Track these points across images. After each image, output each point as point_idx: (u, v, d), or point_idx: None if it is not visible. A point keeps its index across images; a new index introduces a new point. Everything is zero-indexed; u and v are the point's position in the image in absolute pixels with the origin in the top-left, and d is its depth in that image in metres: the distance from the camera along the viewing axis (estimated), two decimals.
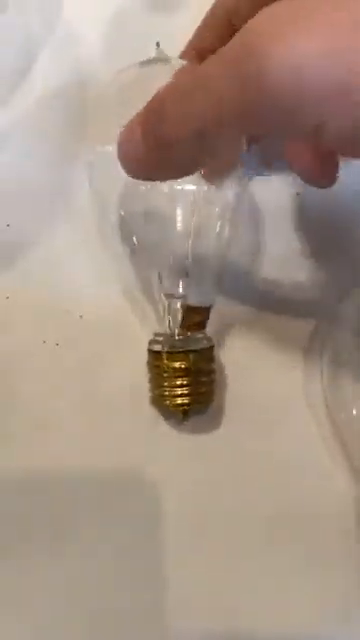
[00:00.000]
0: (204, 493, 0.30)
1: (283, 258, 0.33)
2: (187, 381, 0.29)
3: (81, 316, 0.32)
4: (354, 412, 0.29)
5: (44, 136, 0.34)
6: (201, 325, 0.30)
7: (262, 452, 0.30)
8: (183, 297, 0.30)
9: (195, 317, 0.30)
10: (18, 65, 0.34)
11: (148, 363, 0.30)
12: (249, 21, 0.18)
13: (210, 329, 0.31)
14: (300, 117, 0.18)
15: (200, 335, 0.30)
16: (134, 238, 0.30)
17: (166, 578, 0.29)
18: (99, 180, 0.31)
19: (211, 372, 0.30)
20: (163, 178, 0.23)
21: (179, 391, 0.29)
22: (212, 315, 0.30)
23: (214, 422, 0.31)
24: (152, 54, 0.30)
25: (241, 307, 0.32)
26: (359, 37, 0.17)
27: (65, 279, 0.32)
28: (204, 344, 0.30)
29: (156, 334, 0.30)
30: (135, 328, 0.31)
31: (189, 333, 0.30)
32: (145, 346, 0.30)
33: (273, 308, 0.32)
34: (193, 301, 0.30)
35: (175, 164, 0.22)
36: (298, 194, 0.33)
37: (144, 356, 0.30)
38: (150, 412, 0.31)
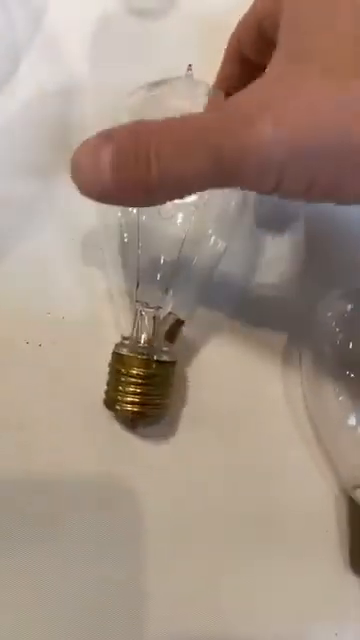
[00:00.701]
0: (187, 494, 0.30)
1: (262, 260, 0.33)
2: (141, 389, 0.29)
3: (63, 317, 0.32)
4: (333, 413, 0.29)
5: (28, 140, 0.34)
6: (172, 337, 0.30)
7: (245, 454, 0.31)
8: (159, 307, 0.30)
9: (171, 328, 0.30)
10: (1, 70, 0.34)
11: (109, 365, 0.30)
12: (231, 98, 0.22)
13: (185, 331, 0.31)
14: (264, 179, 0.21)
15: (165, 348, 0.30)
16: (125, 238, 0.30)
17: (147, 584, 0.29)
18: None
19: (168, 386, 0.30)
20: (119, 205, 0.24)
21: (130, 398, 0.29)
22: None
23: (192, 424, 0.31)
24: (136, 60, 0.30)
25: (218, 311, 0.32)
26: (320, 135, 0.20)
27: (48, 281, 0.32)
28: (167, 357, 0.30)
29: (124, 337, 0.31)
30: (116, 331, 0.31)
31: (155, 343, 0.30)
32: None
33: (252, 312, 0.32)
34: (172, 312, 0.30)
35: (140, 201, 0.23)
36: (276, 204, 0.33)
37: None
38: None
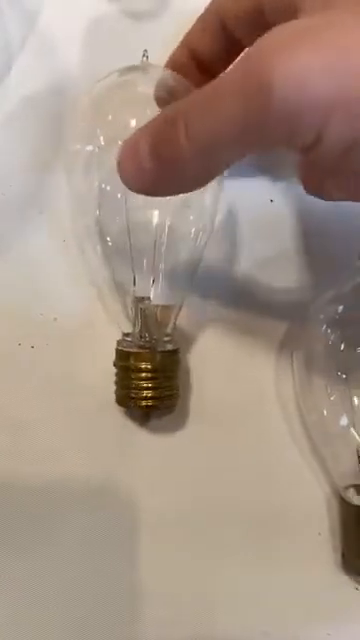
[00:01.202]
0: (180, 496, 0.30)
1: (255, 261, 0.33)
2: (152, 383, 0.29)
3: (55, 319, 0.32)
4: (325, 413, 0.29)
5: (20, 141, 0.34)
6: (168, 325, 0.30)
7: (236, 456, 0.31)
8: (152, 299, 0.30)
9: (164, 317, 0.30)
10: None
11: (115, 363, 0.30)
12: (258, 39, 0.19)
13: (181, 330, 0.32)
14: (300, 128, 0.18)
15: (167, 338, 0.30)
16: (108, 239, 0.30)
17: (143, 585, 0.29)
18: (76, 181, 0.31)
19: (176, 375, 0.30)
20: (166, 194, 0.23)
21: (144, 393, 0.29)
22: (183, 315, 0.31)
23: (184, 422, 0.31)
24: (130, 61, 0.30)
25: (212, 309, 0.32)
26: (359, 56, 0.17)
27: (40, 282, 0.32)
28: (170, 347, 0.30)
29: (125, 334, 0.31)
30: (109, 330, 0.31)
31: (156, 333, 0.30)
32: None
33: (245, 310, 0.32)
34: (162, 302, 0.30)
35: (181, 180, 0.22)
36: (272, 201, 0.33)
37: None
38: (124, 413, 0.31)
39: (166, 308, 0.30)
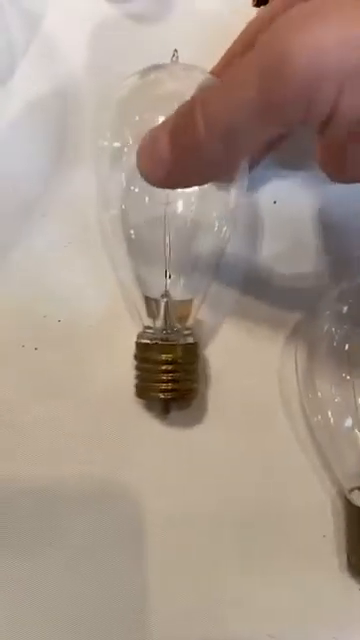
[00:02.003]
0: (184, 498, 0.30)
1: (263, 260, 0.33)
2: (172, 376, 0.29)
3: (59, 320, 0.32)
4: (329, 414, 0.29)
5: (24, 144, 0.34)
6: (188, 318, 0.31)
7: (240, 457, 0.31)
8: (173, 292, 0.30)
9: (184, 311, 0.30)
10: None
11: (135, 356, 0.30)
12: (273, 23, 0.19)
13: (199, 324, 0.32)
14: (318, 99, 0.18)
15: (187, 331, 0.31)
16: (132, 232, 0.30)
17: (146, 588, 0.29)
18: (102, 175, 0.31)
19: (195, 368, 0.31)
20: (187, 185, 0.23)
21: (163, 385, 0.29)
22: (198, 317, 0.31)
23: (196, 420, 0.31)
24: (133, 64, 0.30)
25: (214, 314, 0.32)
26: None
27: (43, 284, 0.32)
28: (190, 340, 0.31)
29: (146, 327, 0.31)
30: (113, 331, 0.31)
31: (177, 326, 0.30)
32: (121, 349, 0.31)
33: (248, 313, 0.32)
34: (184, 296, 0.31)
35: (201, 169, 0.21)
36: (275, 202, 0.33)
37: (121, 359, 0.31)
38: (129, 412, 0.31)
39: (187, 302, 0.31)
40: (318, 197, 0.33)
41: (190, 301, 0.31)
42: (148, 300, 0.31)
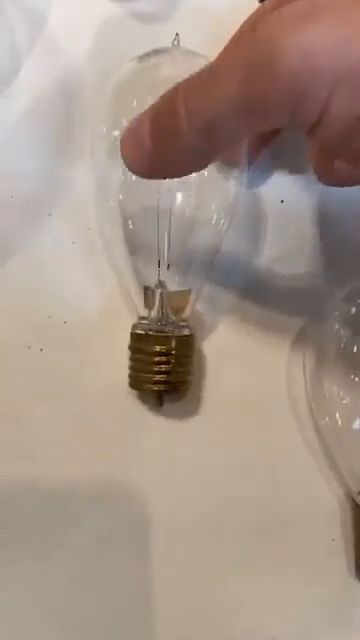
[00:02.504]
0: (189, 499, 0.30)
1: (270, 259, 0.33)
2: (165, 367, 0.29)
3: (65, 322, 0.32)
4: (337, 417, 0.29)
5: (29, 143, 0.34)
6: (184, 310, 0.30)
7: (247, 460, 0.31)
8: (170, 283, 0.30)
9: (180, 302, 0.30)
10: (3, 73, 0.34)
11: (130, 347, 0.30)
12: (265, 19, 0.19)
13: (198, 318, 0.32)
14: (305, 100, 0.18)
15: (183, 323, 0.30)
16: (130, 223, 0.30)
17: (152, 584, 0.29)
18: (100, 165, 0.30)
19: (190, 360, 0.30)
20: (167, 175, 0.22)
21: (157, 377, 0.29)
22: (199, 305, 0.31)
23: (200, 421, 0.31)
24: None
25: (220, 313, 0.32)
26: None
27: (49, 285, 0.32)
28: (185, 332, 0.30)
29: (141, 318, 0.30)
30: (118, 333, 0.31)
31: (173, 318, 0.30)
32: (126, 350, 0.30)
33: (255, 314, 0.32)
34: (180, 287, 0.30)
35: (181, 160, 0.21)
36: (282, 201, 0.33)
37: (126, 360, 0.30)
38: (133, 412, 0.31)
39: (183, 293, 0.30)
40: (325, 197, 0.33)
41: (187, 292, 0.30)
42: (145, 290, 0.30)
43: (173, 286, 0.30)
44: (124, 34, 0.35)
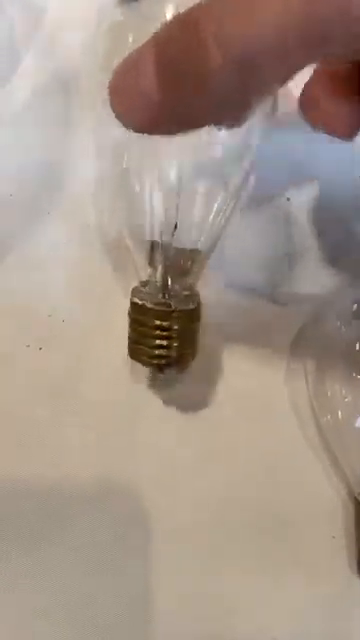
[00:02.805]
0: (190, 496, 0.30)
1: (272, 257, 0.32)
2: (167, 342, 0.27)
3: (63, 320, 0.32)
4: (339, 416, 0.29)
5: (27, 141, 0.34)
6: (189, 274, 0.28)
7: (248, 458, 0.30)
8: (173, 242, 0.27)
9: (186, 263, 0.28)
10: (1, 69, 0.34)
11: (129, 314, 0.28)
12: None
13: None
14: None
15: (187, 292, 0.28)
16: (136, 185, 0.27)
17: (150, 589, 0.29)
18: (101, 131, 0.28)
19: (194, 335, 0.28)
20: (176, 130, 0.17)
21: (157, 351, 0.27)
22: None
23: (201, 419, 0.31)
24: None
25: (227, 302, 0.32)
26: None
27: (47, 283, 0.32)
28: (190, 305, 0.28)
29: (142, 283, 0.28)
30: (117, 331, 0.31)
31: (176, 288, 0.28)
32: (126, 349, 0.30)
33: (259, 307, 0.32)
34: (183, 244, 0.27)
35: (204, 108, 0.16)
36: (289, 199, 0.33)
37: (128, 359, 0.30)
38: (133, 411, 0.31)
39: (191, 252, 0.28)
40: (330, 194, 0.32)
41: (194, 252, 0.27)
42: (151, 245, 0.27)
43: (179, 242, 0.27)
44: (124, 29, 0.35)
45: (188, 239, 0.27)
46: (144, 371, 0.30)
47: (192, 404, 0.31)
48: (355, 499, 0.29)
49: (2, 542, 0.29)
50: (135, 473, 0.30)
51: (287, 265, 0.32)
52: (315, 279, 0.32)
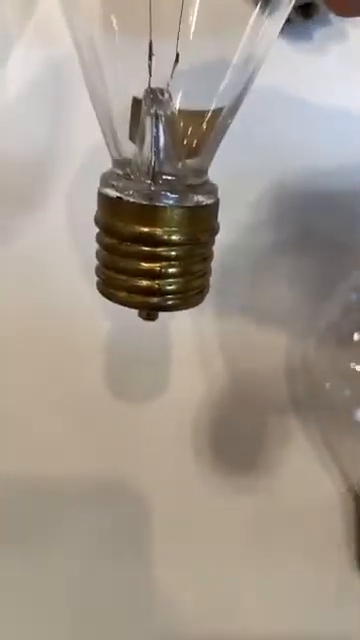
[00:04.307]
0: (190, 491, 0.29)
1: (269, 248, 0.32)
2: (160, 266, 0.16)
3: (55, 313, 0.31)
4: (338, 408, 0.28)
5: (22, 128, 0.33)
6: (195, 151, 0.17)
7: (248, 453, 0.30)
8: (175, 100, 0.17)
9: (190, 128, 0.17)
10: None
11: (96, 219, 0.17)
12: None
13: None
14: None
15: (194, 180, 0.17)
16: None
17: (153, 577, 0.29)
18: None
19: (208, 252, 0.17)
20: None
21: (142, 282, 0.16)
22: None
23: (200, 412, 0.30)
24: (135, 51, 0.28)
25: (224, 295, 0.31)
26: None
27: (39, 277, 0.32)
28: (201, 199, 0.16)
29: (116, 162, 0.17)
30: (113, 324, 0.30)
31: (179, 165, 0.17)
32: (123, 340, 0.29)
33: (256, 300, 0.31)
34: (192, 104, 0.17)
35: None
36: (282, 190, 0.33)
37: (122, 352, 0.29)
38: (131, 407, 0.30)
39: (196, 116, 0.17)
40: (326, 184, 0.32)
41: (201, 116, 0.17)
42: (132, 104, 0.17)
43: (181, 101, 0.17)
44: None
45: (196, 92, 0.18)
46: (144, 370, 0.30)
47: (188, 400, 0.30)
48: (355, 494, 0.28)
49: (2, 542, 0.29)
50: (134, 472, 0.29)
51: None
52: (312, 270, 0.32)
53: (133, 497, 0.29)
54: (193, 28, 0.17)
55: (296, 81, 0.31)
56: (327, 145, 0.32)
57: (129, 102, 0.17)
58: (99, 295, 0.27)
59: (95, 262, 0.18)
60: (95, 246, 0.19)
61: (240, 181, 0.31)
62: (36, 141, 0.33)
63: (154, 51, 0.16)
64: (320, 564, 0.29)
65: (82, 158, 0.32)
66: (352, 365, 0.28)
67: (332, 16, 0.31)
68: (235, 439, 0.30)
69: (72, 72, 0.33)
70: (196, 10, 0.17)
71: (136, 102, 0.17)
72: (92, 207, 0.31)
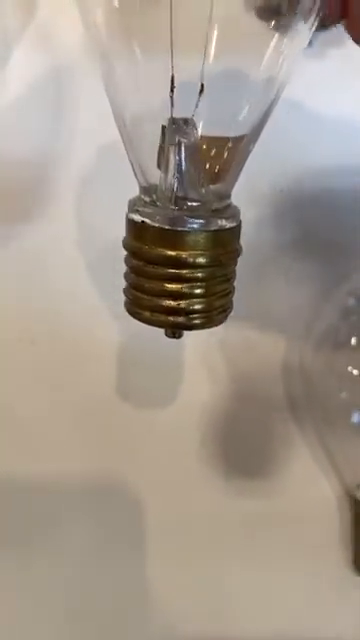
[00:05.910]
0: (187, 493, 0.30)
1: (268, 250, 0.32)
2: (184, 287, 0.17)
3: (57, 314, 0.31)
4: (335, 411, 0.29)
5: (22, 130, 0.33)
6: (219, 175, 0.18)
7: (245, 455, 0.30)
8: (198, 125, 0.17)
9: (212, 154, 0.18)
10: None
11: (124, 242, 0.18)
12: None
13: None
14: None
15: (218, 204, 0.17)
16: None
17: (152, 577, 0.29)
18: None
19: (230, 273, 0.18)
20: None
21: (166, 302, 0.17)
22: None
23: (197, 415, 0.30)
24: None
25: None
26: None
27: (41, 276, 0.31)
28: (226, 223, 0.17)
29: (143, 189, 0.18)
30: (113, 324, 0.30)
31: (196, 197, 0.17)
32: (123, 342, 0.29)
33: (253, 302, 0.31)
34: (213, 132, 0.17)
35: None
36: (281, 191, 0.33)
37: (123, 354, 0.29)
38: (130, 407, 0.30)
39: (219, 140, 0.18)
40: (326, 186, 0.32)
41: (224, 142, 0.17)
42: (153, 138, 0.17)
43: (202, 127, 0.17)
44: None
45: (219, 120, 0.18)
46: (144, 372, 0.30)
47: (188, 402, 0.31)
48: (351, 494, 0.29)
49: (1, 542, 0.29)
50: (133, 471, 0.29)
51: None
52: (310, 273, 0.32)
53: (132, 499, 0.29)
54: (213, 52, 0.17)
55: (296, 85, 0.31)
56: (327, 147, 0.32)
57: (151, 130, 0.17)
58: (99, 295, 0.28)
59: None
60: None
61: (240, 182, 0.31)
62: (36, 142, 0.32)
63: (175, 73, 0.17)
64: (317, 566, 0.29)
65: (82, 159, 0.32)
66: (349, 368, 0.29)
67: None
68: (233, 442, 0.30)
69: (72, 74, 0.33)
70: (215, 36, 0.17)
71: (164, 131, 0.17)
72: (92, 207, 0.31)
